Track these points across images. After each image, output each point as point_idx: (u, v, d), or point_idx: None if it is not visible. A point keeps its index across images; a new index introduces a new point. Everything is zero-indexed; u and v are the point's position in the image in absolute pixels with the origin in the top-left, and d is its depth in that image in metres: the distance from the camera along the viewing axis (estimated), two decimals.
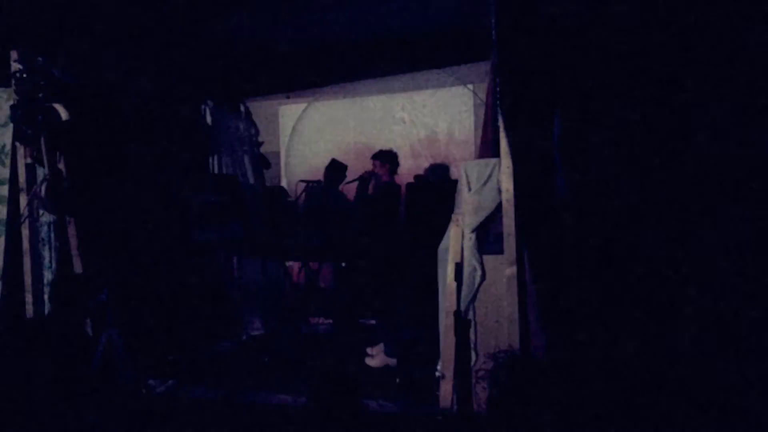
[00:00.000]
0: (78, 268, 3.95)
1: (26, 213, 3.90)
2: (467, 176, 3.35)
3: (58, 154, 3.91)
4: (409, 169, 6.01)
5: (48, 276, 4.02)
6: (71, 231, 3.96)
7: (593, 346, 2.93)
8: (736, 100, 2.83)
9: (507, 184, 3.14)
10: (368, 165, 5.12)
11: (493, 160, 3.28)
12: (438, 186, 5.24)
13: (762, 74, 2.76)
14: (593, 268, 3.00)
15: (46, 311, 4.00)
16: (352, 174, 5.56)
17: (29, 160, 3.92)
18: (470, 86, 6.07)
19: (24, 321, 3.93)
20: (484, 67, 4.74)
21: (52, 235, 4.01)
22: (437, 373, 3.42)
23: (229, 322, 5.18)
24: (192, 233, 5.03)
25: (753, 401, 2.65)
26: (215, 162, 5.51)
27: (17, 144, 3.92)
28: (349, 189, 5.64)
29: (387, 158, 5.22)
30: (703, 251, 2.84)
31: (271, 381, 3.98)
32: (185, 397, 3.78)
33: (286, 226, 5.50)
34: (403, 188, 5.30)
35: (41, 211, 3.97)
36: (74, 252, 3.97)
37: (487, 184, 3.28)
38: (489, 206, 3.26)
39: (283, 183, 6.88)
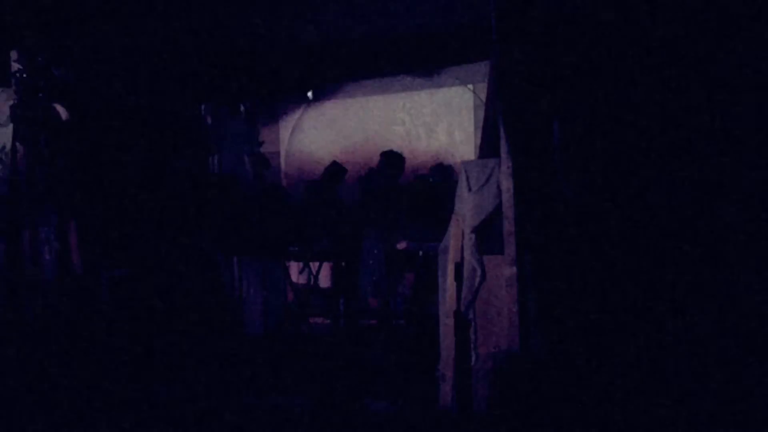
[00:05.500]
0: (78, 268, 3.96)
1: (26, 213, 3.90)
2: (467, 176, 3.35)
3: (58, 154, 3.91)
4: (409, 169, 6.00)
5: (48, 276, 4.02)
6: (71, 231, 3.96)
7: (593, 347, 2.93)
8: (736, 101, 2.83)
9: (507, 184, 3.14)
10: (368, 165, 5.12)
11: (493, 160, 3.28)
12: (438, 186, 5.24)
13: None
14: (593, 268, 3.00)
15: (47, 311, 4.00)
16: (352, 174, 5.57)
17: (29, 160, 3.93)
18: (470, 86, 6.07)
19: (24, 321, 3.94)
20: (484, 67, 4.73)
21: (52, 235, 4.01)
22: (437, 373, 3.42)
23: (229, 323, 5.17)
24: (192, 233, 5.03)
25: (751, 404, 2.65)
26: (215, 162, 5.52)
27: (17, 144, 3.92)
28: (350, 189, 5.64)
29: (392, 159, 5.23)
30: (704, 251, 2.84)
31: (271, 381, 3.98)
32: (185, 397, 3.78)
33: (286, 226, 5.50)
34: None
35: (41, 211, 3.97)
36: (74, 252, 3.97)
37: (487, 184, 3.28)
38: (489, 206, 3.26)
39: (283, 183, 6.88)
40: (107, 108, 4.36)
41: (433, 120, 6.43)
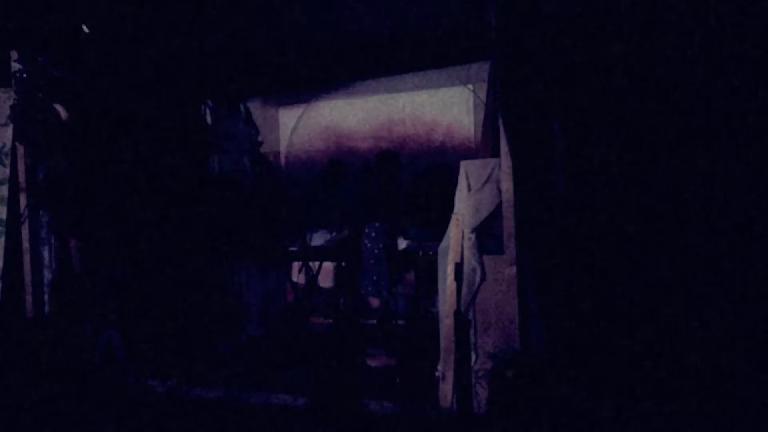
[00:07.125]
0: (78, 268, 3.96)
1: (26, 213, 3.90)
2: (467, 176, 3.35)
3: (58, 154, 3.91)
4: (409, 169, 6.01)
5: (48, 276, 4.02)
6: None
7: (593, 346, 2.93)
8: (735, 102, 2.83)
9: (507, 184, 3.15)
10: (367, 165, 5.12)
11: (493, 160, 3.28)
12: (438, 186, 5.24)
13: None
14: (593, 267, 3.00)
15: (46, 311, 4.00)
16: (351, 174, 5.57)
17: (29, 160, 3.93)
18: (470, 86, 6.07)
19: (24, 321, 3.94)
20: (484, 67, 4.73)
21: (52, 235, 4.01)
22: (437, 373, 3.42)
23: (229, 323, 5.17)
24: (192, 233, 5.03)
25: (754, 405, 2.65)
26: (215, 162, 5.51)
27: (17, 144, 3.92)
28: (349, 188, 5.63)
29: (388, 158, 5.23)
30: (703, 251, 2.84)
31: (271, 381, 3.98)
32: (185, 397, 3.78)
33: (286, 225, 5.50)
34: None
35: (41, 212, 3.97)
36: (74, 252, 3.97)
37: (487, 184, 3.28)
38: (489, 206, 3.26)
39: (283, 183, 6.88)
40: (107, 108, 4.36)
41: (432, 120, 6.43)
